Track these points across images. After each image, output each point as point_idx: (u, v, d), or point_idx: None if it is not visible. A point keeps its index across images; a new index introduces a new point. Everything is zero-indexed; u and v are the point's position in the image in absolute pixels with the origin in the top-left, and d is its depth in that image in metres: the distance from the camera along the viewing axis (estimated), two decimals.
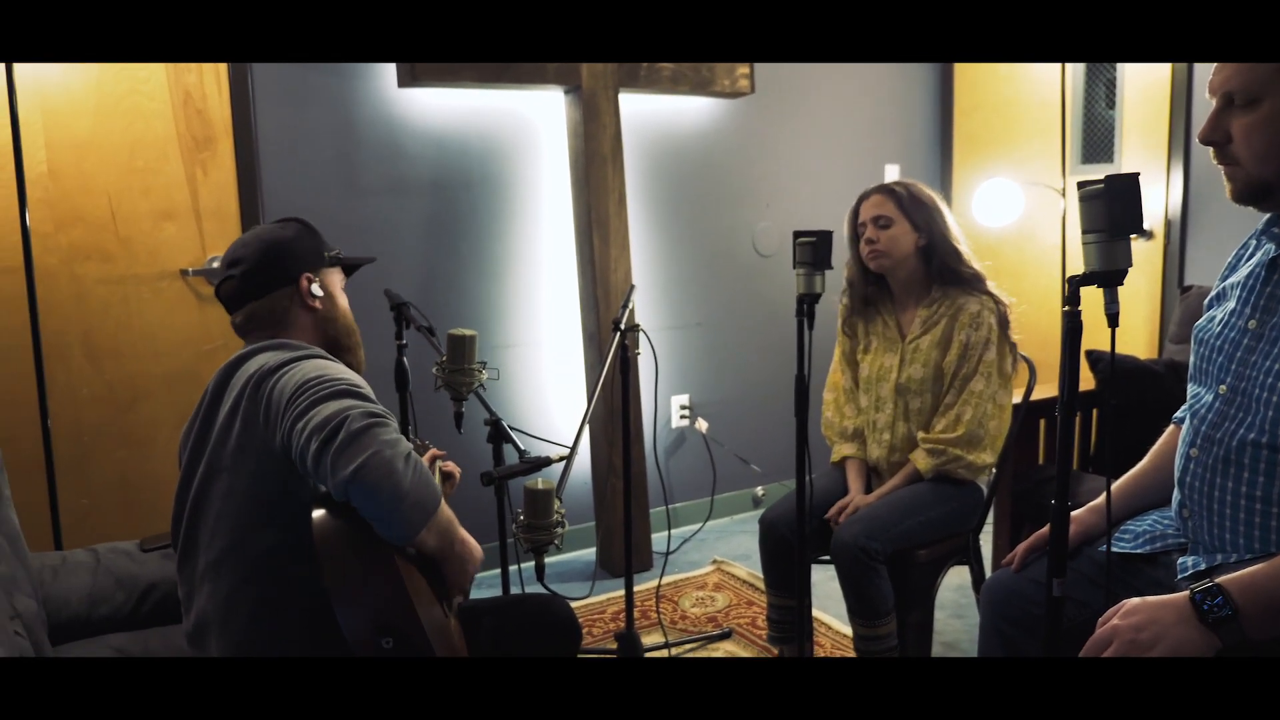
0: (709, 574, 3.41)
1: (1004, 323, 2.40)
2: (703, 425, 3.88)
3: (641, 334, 2.58)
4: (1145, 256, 3.64)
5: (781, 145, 3.97)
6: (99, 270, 2.77)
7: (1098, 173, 3.78)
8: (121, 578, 1.95)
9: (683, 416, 3.86)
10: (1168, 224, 3.56)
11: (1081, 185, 1.46)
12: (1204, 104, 3.41)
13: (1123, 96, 3.70)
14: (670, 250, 3.77)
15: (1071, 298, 1.45)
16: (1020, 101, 4.06)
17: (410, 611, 1.38)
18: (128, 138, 2.76)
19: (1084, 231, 1.45)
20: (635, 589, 3.13)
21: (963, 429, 2.36)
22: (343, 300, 1.78)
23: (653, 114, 3.63)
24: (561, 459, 2.19)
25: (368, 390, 1.49)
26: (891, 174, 4.25)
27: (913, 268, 2.45)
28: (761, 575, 3.29)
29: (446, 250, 3.31)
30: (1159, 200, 3.59)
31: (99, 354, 2.79)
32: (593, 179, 3.30)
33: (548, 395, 3.54)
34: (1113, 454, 3.04)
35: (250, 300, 1.69)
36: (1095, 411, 3.10)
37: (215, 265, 2.92)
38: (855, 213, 2.48)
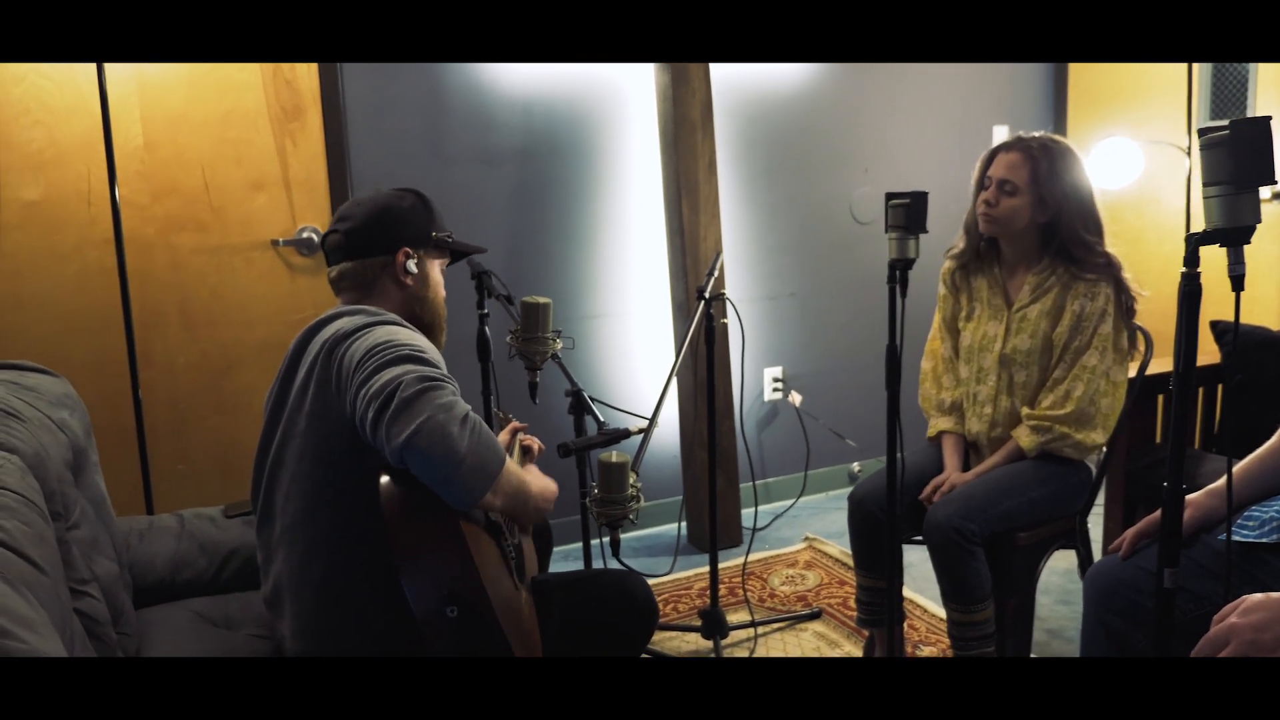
0: (800, 551, 3.31)
1: (1126, 309, 2.21)
2: (796, 398, 3.77)
3: (728, 302, 2.49)
4: (1277, 218, 3.36)
5: (880, 107, 3.80)
6: (193, 240, 2.82)
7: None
8: (204, 543, 1.97)
9: (775, 389, 3.76)
10: None
11: (1203, 132, 1.31)
12: None
13: None
14: (763, 218, 3.65)
15: (1190, 258, 1.32)
16: None
17: (475, 580, 1.35)
18: (219, 109, 2.80)
19: (1205, 184, 1.32)
20: (724, 565, 3.06)
21: (1072, 406, 2.20)
22: (437, 283, 1.75)
23: (744, 77, 3.51)
24: (640, 431, 2.14)
25: (433, 355, 1.45)
26: (1000, 135, 4.02)
27: (1028, 237, 2.28)
28: (850, 553, 3.21)
29: (534, 219, 3.27)
30: None
31: (194, 323, 2.85)
32: (681, 145, 3.21)
33: (636, 367, 3.49)
34: (1236, 433, 2.82)
35: (347, 259, 1.68)
36: (1220, 387, 2.88)
37: (305, 235, 2.94)
38: (988, 162, 2.30)
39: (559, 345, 1.95)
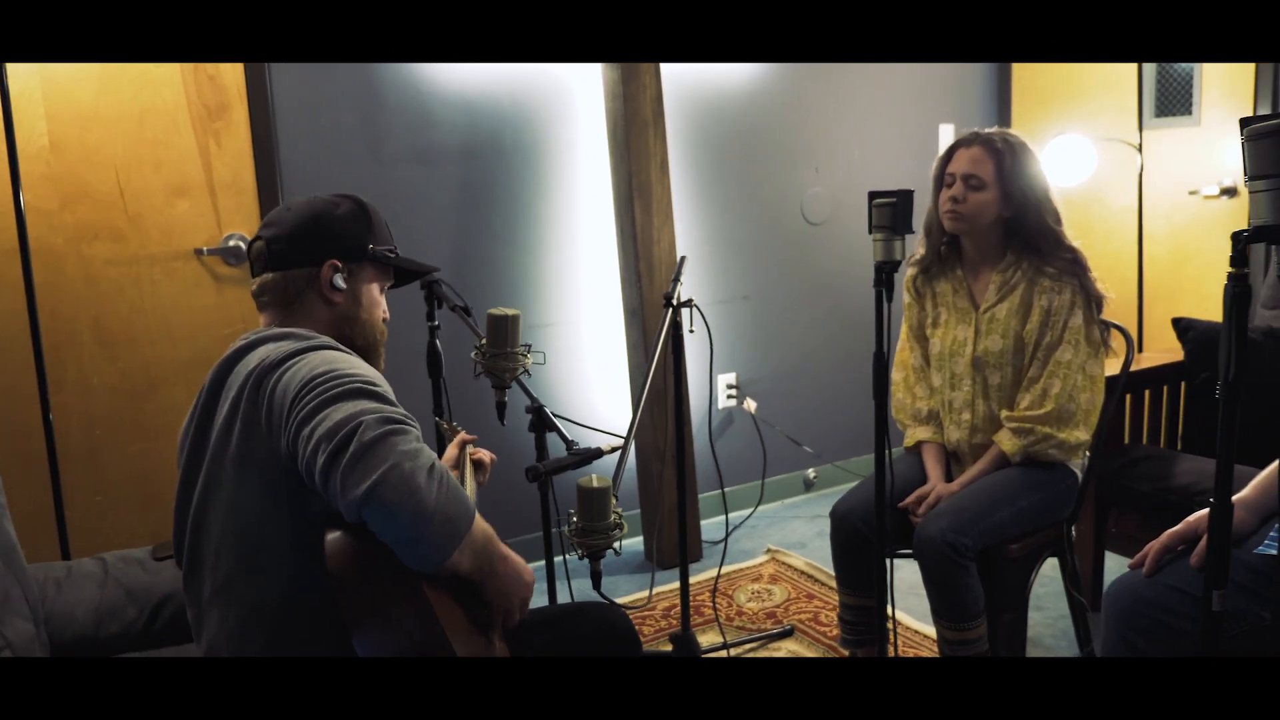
0: (764, 564, 3.20)
1: (1094, 303, 2.16)
2: (751, 405, 3.66)
3: (695, 309, 2.36)
4: (1228, 215, 3.37)
5: (829, 106, 3.71)
6: (108, 250, 2.58)
7: (1174, 126, 3.50)
8: (132, 589, 1.76)
9: (730, 396, 3.64)
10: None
11: (1247, 122, 1.24)
12: None
13: None
14: (714, 220, 3.53)
15: (1238, 258, 1.22)
16: None
17: (444, 647, 1.18)
18: (135, 106, 2.56)
19: (1252, 177, 1.23)
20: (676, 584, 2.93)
21: (1051, 404, 2.12)
22: (374, 303, 1.55)
23: (694, 74, 3.39)
24: (614, 450, 1.99)
25: (385, 388, 1.28)
26: (946, 135, 3.98)
27: (992, 234, 2.21)
28: (819, 566, 3.12)
29: (477, 222, 3.09)
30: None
31: (111, 340, 2.60)
32: (633, 144, 3.07)
33: (588, 376, 3.33)
34: (1202, 431, 2.80)
35: (269, 270, 1.49)
36: (1183, 385, 2.85)
37: (232, 244, 2.72)
38: (947, 158, 2.23)
39: (530, 361, 1.79)
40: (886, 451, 1.91)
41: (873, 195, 1.89)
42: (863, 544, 2.15)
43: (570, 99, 3.18)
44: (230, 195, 2.70)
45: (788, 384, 3.76)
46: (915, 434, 2.32)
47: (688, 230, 3.42)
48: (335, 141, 2.83)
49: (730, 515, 3.66)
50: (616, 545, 1.67)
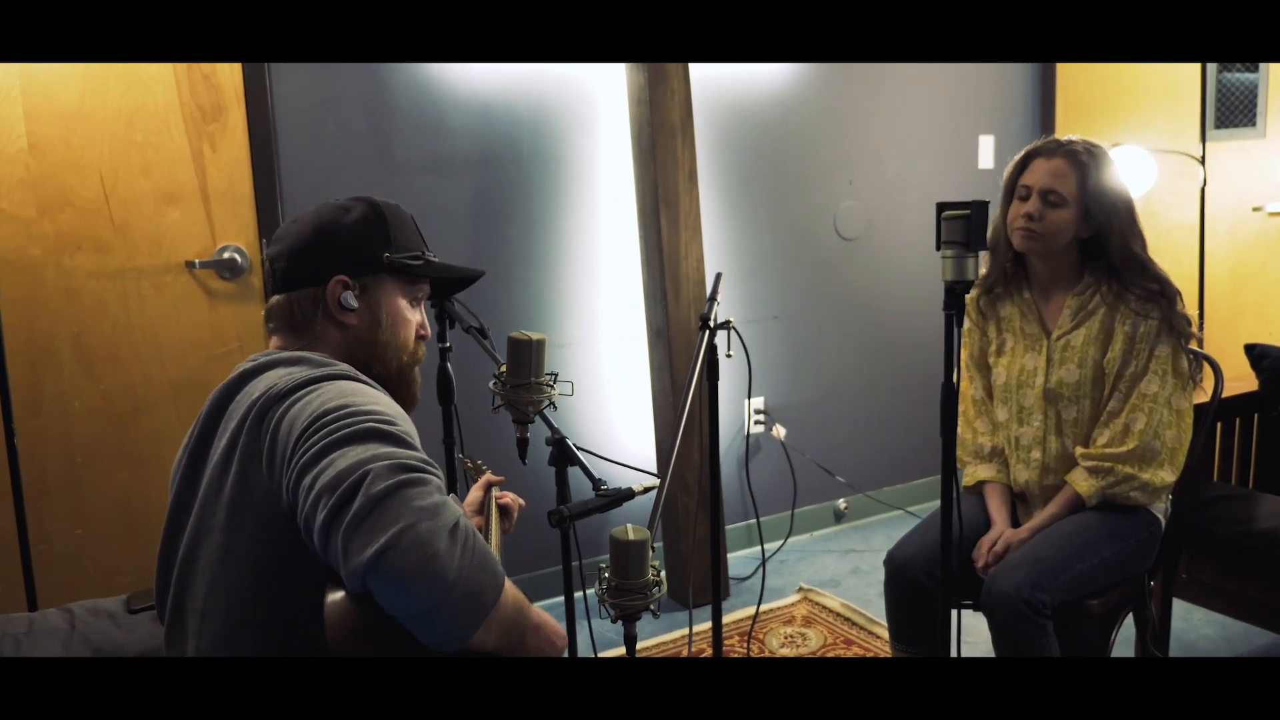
0: (796, 605, 2.97)
1: (1182, 335, 1.94)
2: (780, 432, 3.43)
3: (733, 331, 2.14)
4: None
5: (864, 115, 3.50)
6: (92, 262, 2.37)
7: (1237, 139, 3.28)
8: (102, 649, 1.55)
9: (758, 422, 3.42)
10: None
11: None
12: None
13: None
14: (743, 234, 3.32)
15: None
16: (1134, 61, 3.56)
17: None
18: (123, 107, 2.36)
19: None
20: (709, 626, 2.70)
21: (1134, 441, 1.90)
22: (397, 320, 1.35)
23: (723, 80, 3.18)
24: (646, 490, 1.76)
25: (405, 427, 1.07)
26: (986, 146, 3.77)
27: (1067, 255, 1.98)
28: (856, 608, 2.89)
29: (493, 235, 2.88)
30: None
31: (94, 360, 2.39)
32: (660, 153, 2.86)
33: (607, 401, 3.11)
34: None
35: (275, 292, 1.31)
36: (1256, 417, 2.63)
37: (227, 256, 2.51)
38: (1021, 167, 2.00)
39: (557, 392, 1.57)
40: (955, 494, 1.69)
41: (942, 207, 1.69)
42: (924, 596, 1.92)
43: (592, 104, 2.97)
44: (225, 204, 2.49)
45: (819, 409, 3.54)
46: (977, 473, 2.10)
47: (715, 245, 3.21)
48: (341, 147, 2.63)
49: (757, 549, 3.43)
50: (654, 605, 1.45)
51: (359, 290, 1.30)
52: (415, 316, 1.39)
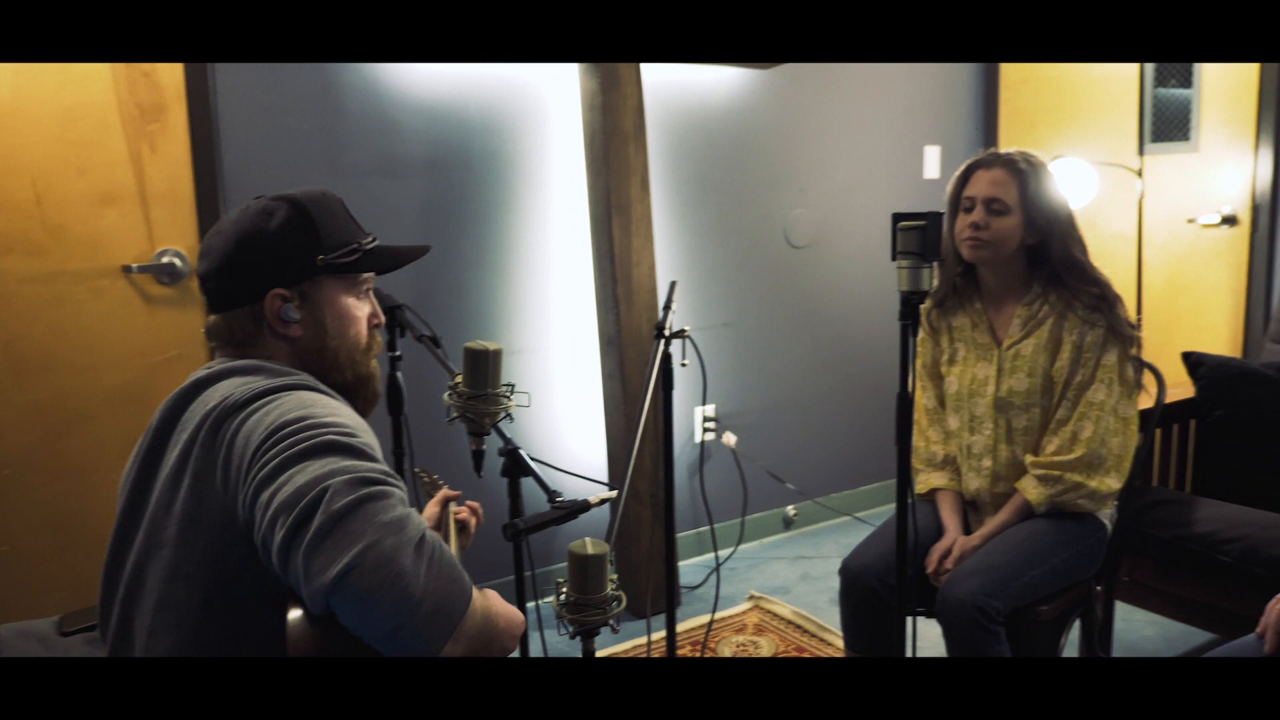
0: (747, 613, 2.97)
1: (1126, 339, 1.97)
2: (730, 439, 3.43)
3: (687, 340, 2.13)
4: (1228, 245, 3.23)
5: (815, 123, 3.52)
6: (23, 266, 2.28)
7: (1172, 153, 3.36)
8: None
9: (708, 430, 3.41)
10: (1254, 210, 3.16)
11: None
12: None
13: (1201, 71, 3.29)
14: (694, 241, 3.31)
15: None
16: (1075, 75, 3.64)
17: None
18: (58, 105, 2.27)
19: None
20: (663, 635, 2.69)
21: (1081, 449, 1.93)
22: (344, 319, 1.28)
23: (675, 85, 3.18)
24: (603, 502, 1.74)
25: (366, 437, 1.04)
26: (932, 157, 3.82)
27: (1015, 263, 2.01)
28: (806, 614, 2.89)
29: (442, 240, 2.83)
30: (1244, 184, 3.18)
31: (24, 368, 2.30)
32: (613, 159, 2.84)
33: (558, 410, 3.08)
34: (1217, 473, 2.63)
35: (211, 311, 1.25)
36: (1193, 424, 2.69)
37: (166, 260, 2.43)
38: (963, 181, 2.04)
39: (513, 404, 1.54)
40: (910, 505, 1.70)
41: (897, 217, 1.69)
42: (878, 604, 1.93)
43: (544, 109, 2.95)
44: (165, 206, 2.41)
45: (768, 416, 3.55)
46: (929, 480, 2.11)
47: (666, 252, 3.20)
48: (286, 149, 2.57)
49: (708, 556, 3.43)
50: (613, 621, 1.43)
51: (298, 300, 1.24)
52: (364, 309, 1.33)
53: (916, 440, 2.16)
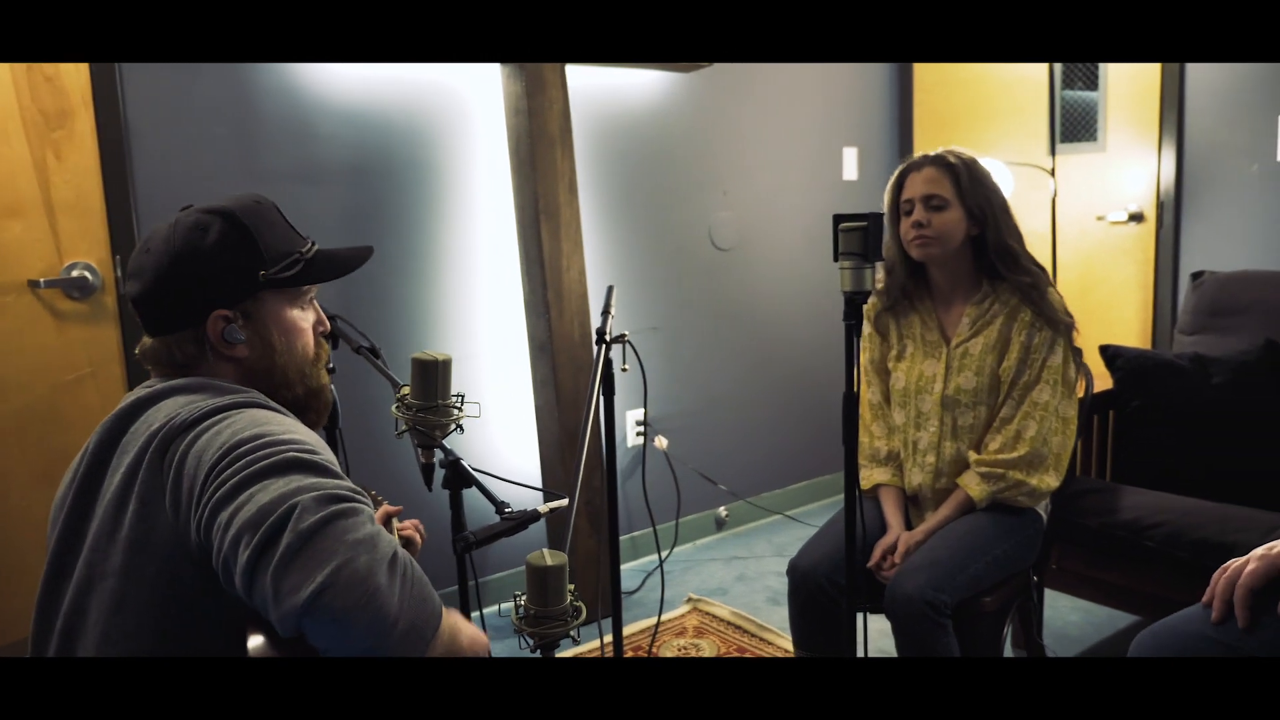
0: (686, 616, 2.96)
1: (1057, 322, 2.03)
2: (662, 442, 3.43)
3: (628, 345, 2.12)
4: (1135, 241, 3.36)
5: (736, 126, 3.55)
6: None
7: (1081, 153, 3.48)
8: None
9: (639, 434, 3.40)
10: (1160, 207, 3.29)
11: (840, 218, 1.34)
12: (1199, 80, 3.17)
13: (1106, 74, 3.41)
14: (621, 245, 3.30)
15: None
16: (986, 77, 3.75)
17: None
18: None
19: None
20: (604, 639, 2.67)
21: (1025, 448, 1.97)
22: (291, 333, 1.24)
23: (599, 88, 3.16)
24: (553, 511, 1.72)
25: (327, 456, 0.99)
26: (850, 159, 3.88)
27: (962, 258, 2.05)
28: (745, 614, 2.89)
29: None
30: (1149, 182, 3.31)
31: None
32: (540, 163, 2.81)
33: (489, 418, 3.03)
34: (1136, 461, 2.73)
35: (147, 334, 1.18)
36: (1111, 415, 2.78)
37: (76, 274, 2.31)
38: (899, 185, 2.07)
39: (464, 414, 1.50)
40: (859, 505, 1.71)
41: (839, 219, 1.70)
42: (826, 602, 1.94)
43: (468, 113, 2.90)
44: (73, 217, 2.30)
45: (699, 419, 3.56)
46: (872, 476, 2.14)
47: (594, 256, 3.18)
48: (201, 155, 2.47)
49: (642, 561, 3.42)
50: (573, 632, 1.40)
51: (242, 319, 1.18)
52: (308, 319, 1.28)
53: (860, 436, 2.18)
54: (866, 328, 2.18)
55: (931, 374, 2.07)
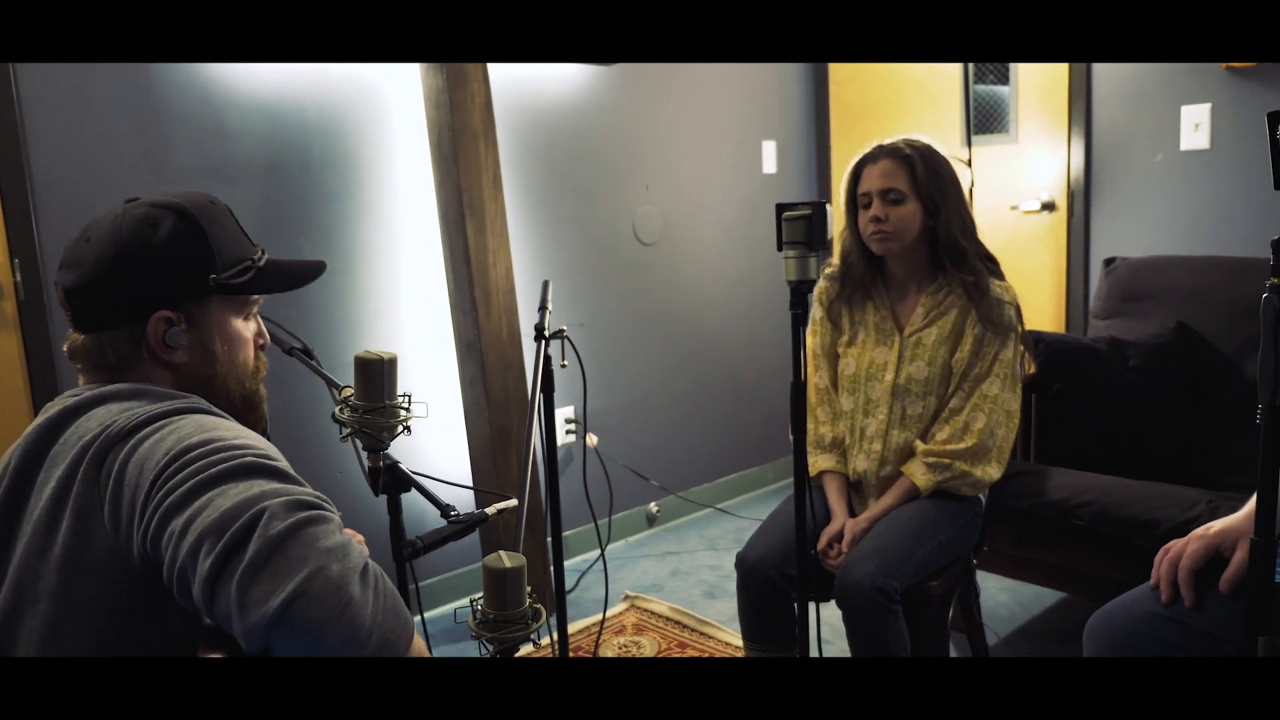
0: (624, 613, 2.93)
1: (1019, 315, 2.06)
2: (593, 439, 3.39)
3: (567, 341, 2.08)
4: (1048, 229, 3.46)
5: (657, 120, 3.54)
6: None
7: (993, 144, 3.57)
8: None
9: (569, 432, 3.36)
10: (1070, 195, 3.39)
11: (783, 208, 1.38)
12: (1106, 74, 3.28)
13: (1016, 69, 3.50)
14: (546, 240, 3.25)
15: (1278, 266, 1.09)
16: (900, 72, 3.81)
17: None
18: None
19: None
20: (546, 641, 2.62)
21: (972, 439, 1.99)
22: (233, 343, 1.17)
23: (521, 81, 3.11)
24: (501, 513, 1.67)
25: (285, 462, 0.93)
26: (769, 151, 3.91)
27: (917, 250, 2.05)
28: (683, 609, 2.88)
29: (284, 246, 2.65)
30: (1059, 172, 3.41)
31: None
32: (462, 158, 2.74)
33: (415, 419, 2.94)
34: (1059, 442, 2.81)
35: (78, 330, 1.10)
36: (1034, 398, 2.85)
37: None
38: (855, 177, 2.06)
39: (412, 414, 1.44)
40: (809, 496, 1.70)
41: (781, 208, 1.69)
42: (775, 594, 1.94)
43: (386, 107, 2.81)
44: None
45: (627, 415, 3.53)
46: (817, 463, 2.14)
47: (519, 252, 3.13)
48: (104, 154, 2.33)
49: (575, 560, 3.38)
50: (534, 637, 1.36)
51: (185, 323, 1.11)
52: (249, 330, 1.22)
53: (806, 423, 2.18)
54: (818, 311, 2.17)
55: (883, 361, 2.07)
